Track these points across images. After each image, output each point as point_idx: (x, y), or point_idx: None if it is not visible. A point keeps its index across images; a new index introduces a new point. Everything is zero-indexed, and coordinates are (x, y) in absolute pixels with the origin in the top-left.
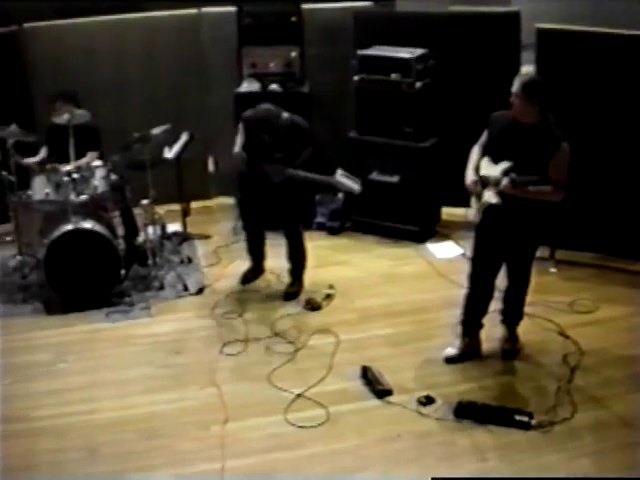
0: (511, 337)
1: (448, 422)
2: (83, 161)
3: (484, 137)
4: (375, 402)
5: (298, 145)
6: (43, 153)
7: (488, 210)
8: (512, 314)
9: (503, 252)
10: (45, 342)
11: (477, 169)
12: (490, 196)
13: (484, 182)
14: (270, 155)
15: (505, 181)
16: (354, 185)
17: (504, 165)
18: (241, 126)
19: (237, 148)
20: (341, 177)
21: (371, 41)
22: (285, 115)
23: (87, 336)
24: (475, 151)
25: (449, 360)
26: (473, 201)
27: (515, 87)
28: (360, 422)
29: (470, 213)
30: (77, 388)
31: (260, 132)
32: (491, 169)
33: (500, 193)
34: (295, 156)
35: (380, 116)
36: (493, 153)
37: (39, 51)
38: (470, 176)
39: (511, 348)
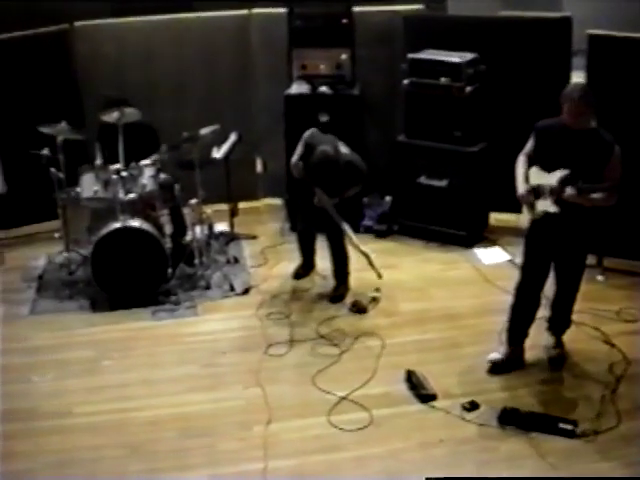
0: (557, 345)
1: (491, 428)
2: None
3: (529, 146)
4: (419, 406)
5: (350, 182)
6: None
7: (542, 219)
8: (559, 322)
9: (554, 260)
10: (90, 339)
11: (527, 179)
12: (547, 205)
13: (537, 191)
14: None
15: (570, 190)
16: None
17: (560, 173)
18: (302, 142)
19: (295, 157)
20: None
21: (421, 44)
22: (343, 152)
23: (132, 334)
24: (521, 160)
25: (493, 364)
26: (526, 211)
27: (569, 94)
28: (403, 426)
29: (523, 221)
30: (119, 385)
31: (316, 177)
32: (544, 178)
33: (558, 201)
34: (344, 189)
35: (429, 120)
36: (544, 162)
37: (90, 50)
38: (522, 186)
39: (557, 356)
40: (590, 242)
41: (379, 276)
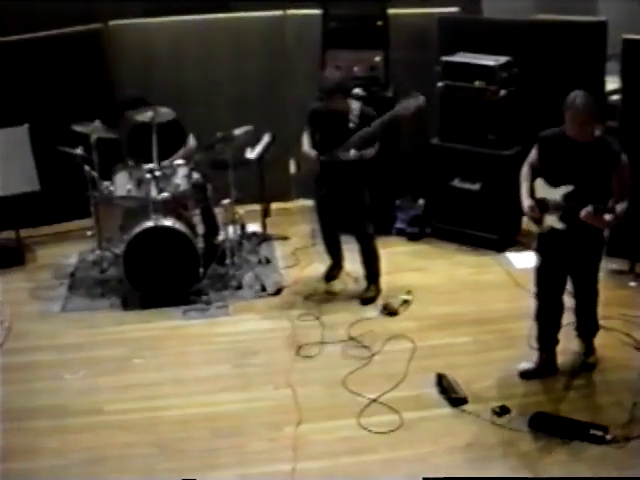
0: (588, 350)
1: (522, 433)
2: (180, 152)
3: (533, 156)
4: (449, 410)
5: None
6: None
7: (549, 233)
8: (586, 327)
9: (567, 268)
10: (121, 337)
11: (532, 191)
12: (553, 221)
13: (543, 205)
14: (338, 142)
15: (586, 211)
16: (417, 99)
17: (565, 189)
18: (306, 126)
19: (306, 147)
20: (402, 102)
21: (456, 47)
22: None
23: (163, 333)
24: (525, 172)
25: (524, 374)
26: (531, 224)
27: (571, 103)
28: (433, 429)
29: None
30: (150, 384)
31: (330, 94)
32: (549, 192)
33: (563, 217)
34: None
35: (463, 123)
36: (548, 174)
37: (124, 49)
38: (527, 200)
39: (588, 361)
40: (603, 245)
41: None
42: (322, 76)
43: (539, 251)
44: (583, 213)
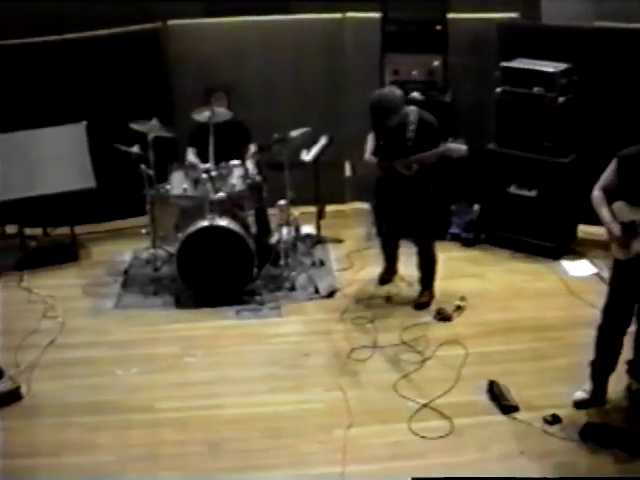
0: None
1: (573, 443)
2: (250, 153)
3: (609, 178)
4: (500, 417)
5: (427, 141)
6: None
7: (633, 259)
8: None
9: (638, 301)
10: (173, 335)
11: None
12: None
13: (631, 229)
14: (397, 151)
15: None
16: (462, 147)
17: None
18: (372, 132)
19: (367, 155)
20: (451, 144)
21: (515, 53)
22: (412, 108)
23: (216, 332)
24: (599, 196)
25: (578, 405)
26: (618, 251)
27: None
28: (483, 436)
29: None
30: (203, 383)
31: (381, 119)
32: (635, 214)
33: None
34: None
35: (521, 129)
36: (631, 196)
37: (182, 48)
38: (615, 225)
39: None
40: None
41: None
42: (372, 98)
43: (614, 282)
44: None
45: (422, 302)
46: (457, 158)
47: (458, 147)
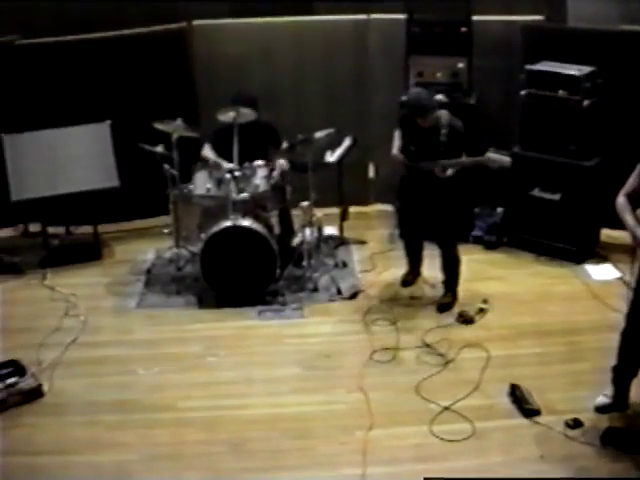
0: None
1: (594, 447)
2: (277, 163)
3: (635, 183)
4: (522, 421)
5: (458, 147)
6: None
7: None
8: None
9: None
10: (196, 335)
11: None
12: None
13: None
14: (428, 153)
15: None
16: (504, 159)
17: None
18: (398, 129)
19: (395, 150)
20: (492, 154)
21: (539, 56)
22: (443, 112)
23: (238, 332)
24: (623, 202)
25: (600, 410)
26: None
27: None
28: (505, 440)
29: None
30: (225, 382)
31: (415, 116)
32: None
33: None
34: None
35: (545, 132)
36: None
37: (207, 49)
38: (638, 230)
39: None
40: None
41: None
42: (409, 96)
43: (639, 286)
44: None
45: (445, 303)
46: (497, 169)
47: (500, 158)
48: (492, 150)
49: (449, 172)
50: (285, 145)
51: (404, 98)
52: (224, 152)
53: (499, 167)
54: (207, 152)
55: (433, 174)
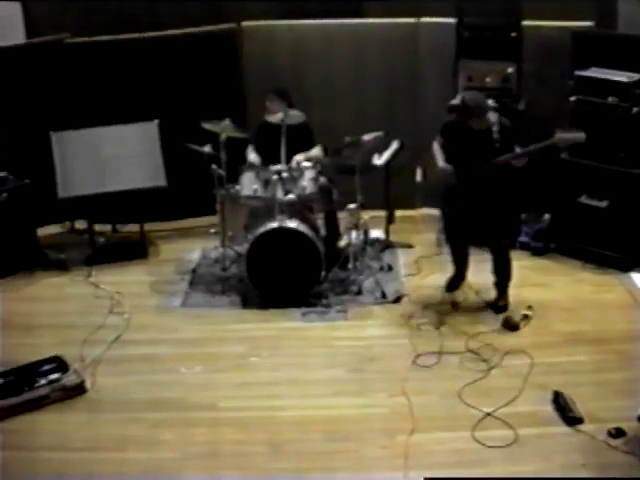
0: None
1: (636, 457)
2: (312, 153)
3: None
4: (564, 429)
5: (510, 142)
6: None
7: None
8: None
9: None
10: (239, 335)
11: None
12: None
13: None
14: (484, 155)
15: None
16: (577, 135)
17: None
18: (439, 139)
19: (441, 162)
20: (562, 134)
21: (589, 62)
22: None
23: (282, 333)
24: None
25: None
26: None
27: None
28: (547, 447)
29: None
30: (267, 383)
31: (473, 116)
32: None
33: None
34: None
35: (593, 139)
36: None
37: (255, 49)
38: None
39: None
40: None
41: None
42: (465, 97)
43: None
44: None
45: (500, 306)
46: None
47: (572, 135)
48: (560, 131)
49: (523, 161)
50: (318, 151)
51: (453, 102)
52: (264, 153)
53: (574, 143)
54: (251, 156)
55: (486, 179)
